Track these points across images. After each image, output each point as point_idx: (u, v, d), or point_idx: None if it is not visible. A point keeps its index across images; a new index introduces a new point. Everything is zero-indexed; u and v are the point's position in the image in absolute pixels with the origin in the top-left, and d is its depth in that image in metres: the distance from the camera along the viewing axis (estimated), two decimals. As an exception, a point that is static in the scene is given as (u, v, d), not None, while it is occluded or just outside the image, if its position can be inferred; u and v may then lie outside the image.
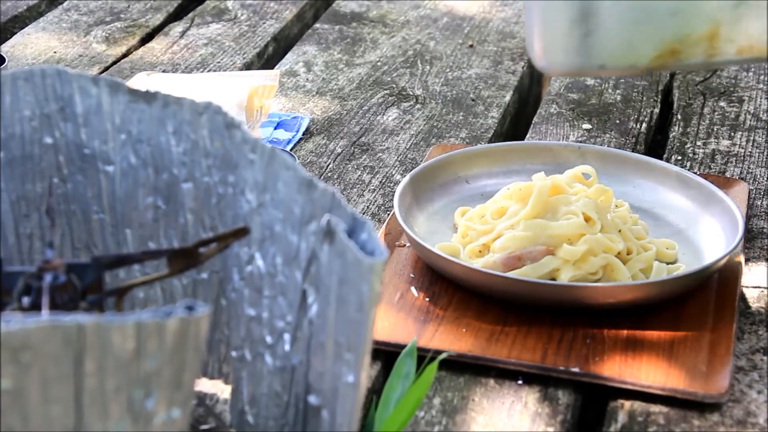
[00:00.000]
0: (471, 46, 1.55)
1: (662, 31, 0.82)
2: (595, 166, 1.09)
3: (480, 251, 1.00)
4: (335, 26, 1.61)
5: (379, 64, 1.49)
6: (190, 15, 1.64)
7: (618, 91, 1.41)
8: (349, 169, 1.22)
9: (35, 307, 0.67)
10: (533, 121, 1.34)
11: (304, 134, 1.29)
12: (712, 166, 1.23)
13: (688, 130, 1.31)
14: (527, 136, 1.31)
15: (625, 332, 0.93)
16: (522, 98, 1.48)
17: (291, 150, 1.25)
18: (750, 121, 1.34)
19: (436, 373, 0.85)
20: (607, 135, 1.30)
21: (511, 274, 0.95)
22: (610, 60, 0.85)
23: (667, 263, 1.01)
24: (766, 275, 1.03)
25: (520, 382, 0.89)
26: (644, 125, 1.33)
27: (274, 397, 0.75)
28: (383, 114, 1.35)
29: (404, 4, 1.69)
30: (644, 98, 1.39)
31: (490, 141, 1.29)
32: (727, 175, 1.21)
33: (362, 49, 1.54)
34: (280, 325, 0.74)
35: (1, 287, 0.69)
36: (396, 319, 0.94)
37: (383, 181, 1.19)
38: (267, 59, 1.55)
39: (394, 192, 1.07)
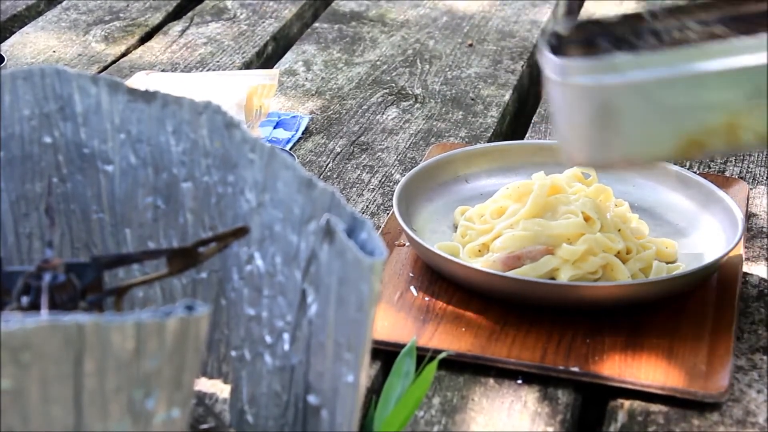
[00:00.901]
0: (470, 45, 1.55)
1: (681, 125, 0.84)
2: (595, 165, 1.09)
3: (479, 251, 1.00)
4: (334, 25, 1.61)
5: (378, 63, 1.49)
6: (189, 14, 1.64)
7: (617, 91, 1.41)
8: (349, 168, 1.22)
9: (34, 306, 0.67)
10: (533, 121, 1.34)
11: (303, 133, 1.29)
12: (711, 166, 1.23)
13: (688, 129, 1.31)
14: (527, 135, 1.31)
15: (624, 332, 0.93)
16: (521, 97, 1.48)
17: (290, 149, 1.25)
18: (749, 120, 1.33)
19: (435, 373, 0.85)
20: (607, 134, 1.30)
21: (511, 274, 0.95)
22: (632, 154, 0.87)
23: (667, 262, 1.01)
24: (766, 274, 1.03)
25: (519, 381, 0.89)
26: (644, 124, 1.33)
27: (273, 396, 0.75)
28: (382, 113, 1.35)
29: (403, 3, 1.69)
30: (644, 97, 1.39)
31: (490, 140, 1.29)
32: (727, 174, 1.21)
33: (361, 48, 1.54)
34: (280, 325, 0.74)
35: (1, 287, 0.69)
36: (395, 319, 0.94)
37: (383, 180, 1.19)
38: (266, 58, 1.55)
39: (394, 191, 1.07)
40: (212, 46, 1.53)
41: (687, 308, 0.96)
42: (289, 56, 1.51)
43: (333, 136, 1.29)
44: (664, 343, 0.91)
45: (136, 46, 1.53)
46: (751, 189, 1.17)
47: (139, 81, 1.33)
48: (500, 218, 1.02)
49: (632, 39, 0.92)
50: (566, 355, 0.90)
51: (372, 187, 1.18)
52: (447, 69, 1.48)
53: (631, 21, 0.92)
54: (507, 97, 1.40)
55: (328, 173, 1.21)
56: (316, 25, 1.62)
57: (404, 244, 1.04)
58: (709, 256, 0.99)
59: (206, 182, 0.78)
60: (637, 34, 0.92)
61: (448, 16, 1.65)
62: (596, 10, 1.68)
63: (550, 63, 0.86)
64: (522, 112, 1.46)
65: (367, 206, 1.14)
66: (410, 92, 1.40)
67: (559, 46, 0.89)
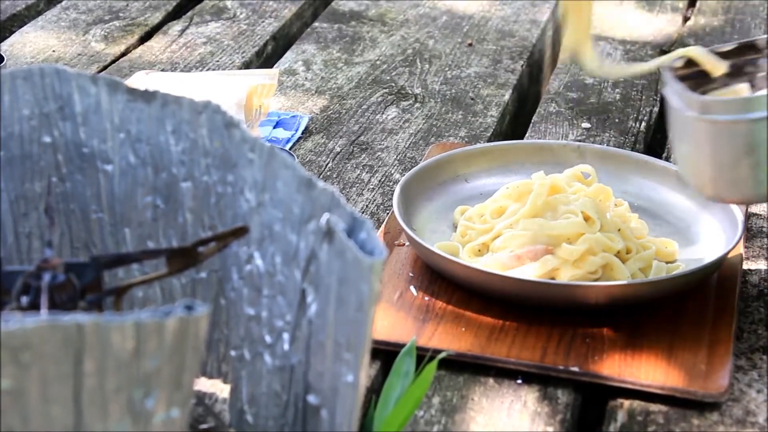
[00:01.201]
0: (470, 44, 1.55)
1: None
2: (595, 165, 1.09)
3: (479, 250, 1.00)
4: (334, 25, 1.61)
5: (378, 62, 1.49)
6: (189, 14, 1.64)
7: (617, 90, 1.41)
8: (348, 168, 1.22)
9: (34, 306, 0.67)
10: (532, 120, 1.34)
11: (303, 133, 1.29)
12: (711, 165, 1.23)
13: (688, 129, 1.31)
14: (526, 135, 1.31)
15: (624, 332, 0.93)
16: (521, 97, 1.48)
17: (290, 149, 1.25)
18: (749, 120, 1.33)
19: (435, 373, 0.85)
20: (607, 134, 1.30)
21: (511, 274, 0.95)
22: None
23: (667, 262, 1.01)
24: (766, 274, 1.03)
25: (519, 381, 0.89)
26: (644, 124, 1.33)
27: (273, 396, 0.75)
28: (382, 113, 1.35)
29: (403, 3, 1.69)
30: (643, 97, 1.39)
31: (490, 140, 1.29)
32: (727, 174, 1.20)
33: (361, 47, 1.54)
34: (280, 325, 0.74)
35: (1, 286, 0.69)
36: (395, 319, 0.94)
37: (382, 180, 1.19)
38: (266, 58, 1.55)
39: (393, 191, 1.07)
40: (212, 45, 1.53)
41: (687, 308, 0.96)
42: (288, 56, 1.51)
43: (333, 136, 1.29)
44: (664, 343, 0.91)
45: (135, 46, 1.53)
46: (750, 189, 1.17)
47: (138, 80, 1.33)
48: (500, 218, 1.02)
49: (749, 69, 0.92)
50: (566, 355, 0.90)
51: (372, 186, 1.18)
52: (447, 69, 1.48)
53: (745, 51, 0.93)
54: (507, 96, 1.40)
55: (328, 173, 1.20)
56: (316, 24, 1.62)
57: (404, 244, 1.04)
58: (709, 256, 0.99)
59: (206, 182, 0.78)
60: (753, 63, 0.92)
61: (448, 16, 1.65)
62: (595, 9, 1.68)
63: (689, 100, 0.86)
64: (522, 112, 1.46)
65: (366, 206, 1.14)
66: (410, 92, 1.40)
67: (675, 79, 0.90)
